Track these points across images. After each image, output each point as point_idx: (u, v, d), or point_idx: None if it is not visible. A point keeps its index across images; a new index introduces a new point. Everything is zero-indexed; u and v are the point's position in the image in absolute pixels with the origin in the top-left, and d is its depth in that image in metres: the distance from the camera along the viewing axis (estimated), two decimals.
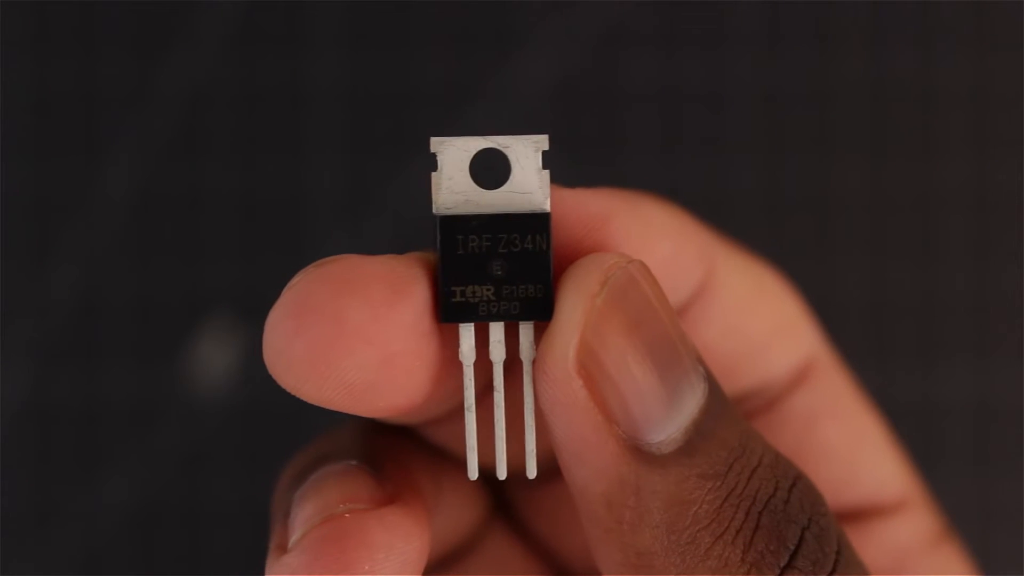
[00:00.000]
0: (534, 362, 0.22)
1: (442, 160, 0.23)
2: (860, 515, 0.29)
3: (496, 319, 0.22)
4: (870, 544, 0.28)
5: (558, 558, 0.29)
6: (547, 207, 0.23)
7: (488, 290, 0.22)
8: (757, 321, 0.27)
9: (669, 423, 0.22)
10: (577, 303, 0.22)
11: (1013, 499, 0.51)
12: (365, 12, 0.51)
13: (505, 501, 0.29)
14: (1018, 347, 0.51)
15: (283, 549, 0.23)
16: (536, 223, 0.22)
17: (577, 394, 0.21)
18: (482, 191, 0.23)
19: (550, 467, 0.27)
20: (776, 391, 0.28)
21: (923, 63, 0.51)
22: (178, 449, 0.52)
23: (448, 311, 0.22)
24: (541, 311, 0.22)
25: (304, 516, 0.23)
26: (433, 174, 0.23)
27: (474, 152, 0.23)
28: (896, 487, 0.29)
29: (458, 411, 0.24)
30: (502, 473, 0.23)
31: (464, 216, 0.22)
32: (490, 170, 0.23)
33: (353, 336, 0.21)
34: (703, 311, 0.26)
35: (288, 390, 0.22)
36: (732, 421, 0.23)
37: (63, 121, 0.52)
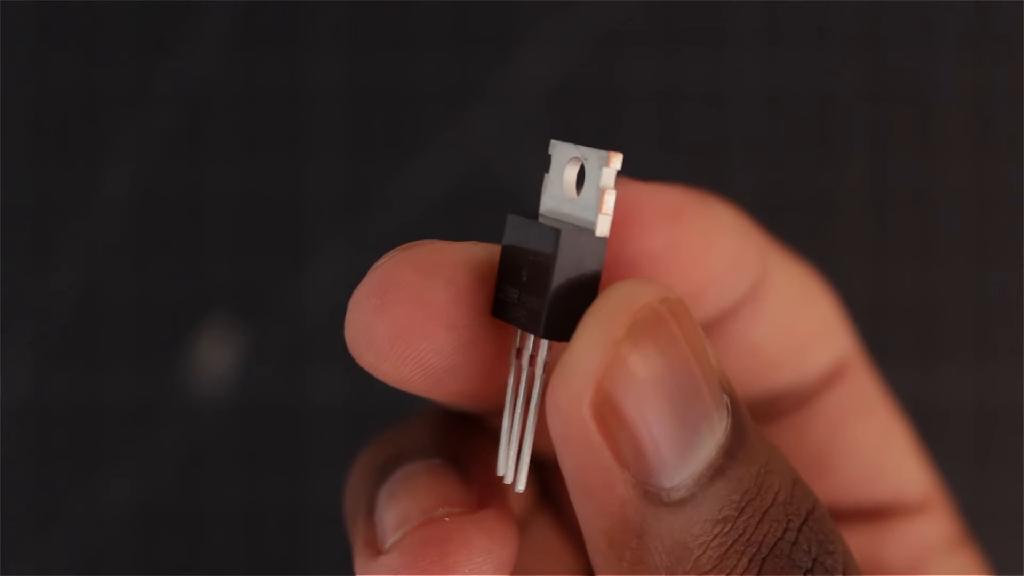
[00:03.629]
0: (546, 384, 0.22)
1: (551, 161, 0.23)
2: (883, 514, 0.29)
3: (514, 323, 0.22)
4: (891, 542, 0.29)
5: None
6: (596, 224, 0.22)
7: (515, 293, 0.22)
8: (801, 322, 0.28)
9: (682, 470, 0.21)
10: (598, 344, 0.21)
11: (1013, 499, 0.51)
12: (365, 12, 0.51)
13: (550, 488, 0.29)
14: (1018, 348, 0.51)
15: (373, 547, 0.23)
16: (549, 239, 0.22)
17: (591, 437, 0.21)
18: (568, 200, 0.23)
19: None
20: (810, 390, 0.28)
21: (923, 63, 0.51)
22: (178, 449, 0.52)
23: (495, 305, 0.22)
24: (535, 326, 0.22)
25: (399, 516, 0.23)
26: (545, 175, 0.23)
27: (569, 158, 0.23)
28: (919, 488, 0.29)
29: None
30: (509, 478, 0.23)
31: (524, 219, 0.22)
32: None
33: (435, 319, 0.22)
34: (754, 310, 0.27)
35: (366, 368, 0.22)
36: (751, 455, 0.22)
37: (63, 121, 0.52)
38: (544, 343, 0.22)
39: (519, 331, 0.23)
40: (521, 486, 0.23)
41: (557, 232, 0.21)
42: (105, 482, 0.52)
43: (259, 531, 0.51)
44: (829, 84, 0.51)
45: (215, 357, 0.51)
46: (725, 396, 0.22)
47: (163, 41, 0.51)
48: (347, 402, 0.51)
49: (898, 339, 0.51)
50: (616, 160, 0.22)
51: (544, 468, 0.29)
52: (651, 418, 0.21)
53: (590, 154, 0.22)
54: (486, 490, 0.24)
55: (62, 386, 0.52)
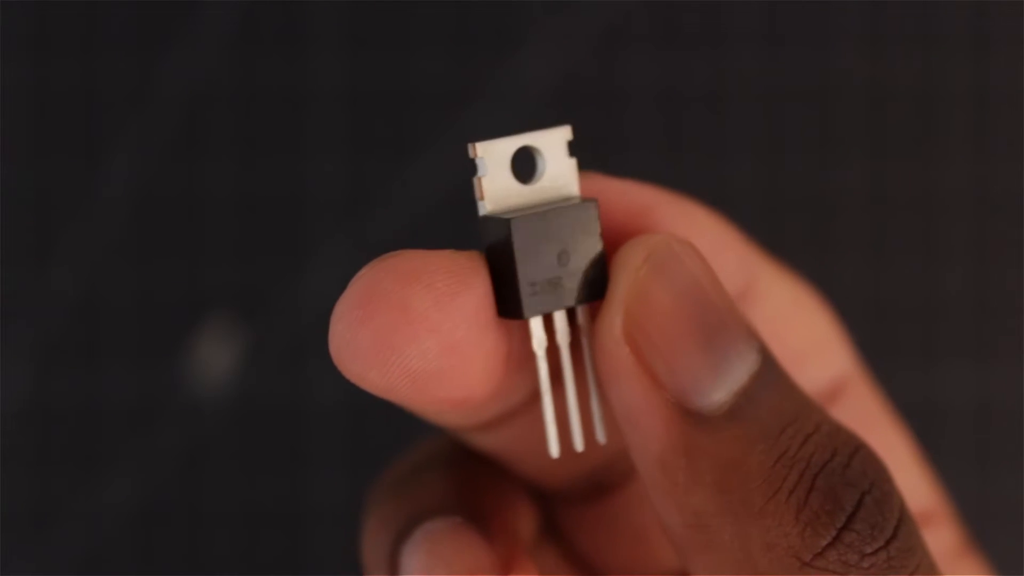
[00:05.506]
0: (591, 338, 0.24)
1: (484, 164, 0.24)
2: None
3: (565, 306, 0.24)
4: None
5: None
6: (577, 192, 0.24)
7: (555, 281, 0.23)
8: (794, 335, 0.28)
9: (716, 388, 0.22)
10: (622, 277, 0.23)
11: (1013, 499, 0.51)
12: (365, 12, 0.51)
13: (553, 519, 0.29)
14: (1018, 348, 0.51)
15: None
16: (586, 211, 0.24)
17: (626, 362, 0.22)
18: (522, 187, 0.24)
19: (595, 484, 0.28)
20: None
21: (923, 63, 0.51)
22: (178, 449, 0.52)
23: (528, 306, 0.23)
24: (602, 291, 0.24)
25: None
26: (476, 178, 0.24)
27: (512, 152, 0.24)
28: (923, 501, 0.29)
29: (512, 412, 0.25)
30: (579, 445, 0.24)
31: (522, 216, 0.23)
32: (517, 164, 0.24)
33: (418, 323, 0.22)
34: None
35: (353, 380, 0.22)
36: (787, 390, 0.23)
37: (63, 121, 0.52)
38: (585, 307, 0.24)
39: (533, 321, 0.23)
40: (603, 437, 0.24)
41: (594, 203, 0.24)
42: (105, 482, 0.52)
43: (259, 531, 0.51)
44: (829, 84, 0.51)
45: (215, 357, 0.51)
46: (755, 340, 0.23)
47: (163, 41, 0.51)
48: (347, 402, 0.51)
49: (898, 339, 0.51)
50: (569, 131, 0.24)
51: (547, 500, 0.29)
52: (677, 336, 0.22)
53: (545, 136, 0.24)
54: (508, 548, 0.25)
55: (62, 386, 0.52)
